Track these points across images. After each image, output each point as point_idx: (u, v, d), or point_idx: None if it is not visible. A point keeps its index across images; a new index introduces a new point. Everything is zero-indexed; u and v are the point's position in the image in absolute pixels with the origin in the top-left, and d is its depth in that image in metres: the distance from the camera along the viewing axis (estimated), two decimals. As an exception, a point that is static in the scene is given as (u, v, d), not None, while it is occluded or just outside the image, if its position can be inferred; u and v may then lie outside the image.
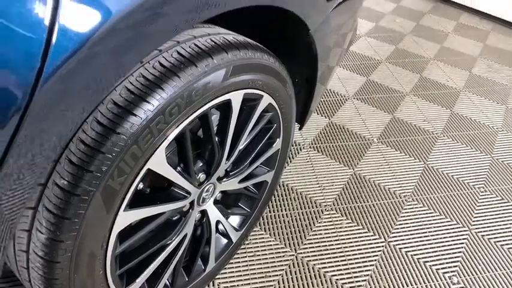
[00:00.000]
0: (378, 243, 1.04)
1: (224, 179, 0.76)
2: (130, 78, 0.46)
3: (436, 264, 1.01)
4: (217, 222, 0.82)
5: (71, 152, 0.43)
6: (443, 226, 1.11)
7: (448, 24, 2.29)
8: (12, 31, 0.30)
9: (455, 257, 1.03)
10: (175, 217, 0.70)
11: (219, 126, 0.68)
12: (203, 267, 0.84)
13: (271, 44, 0.73)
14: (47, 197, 0.43)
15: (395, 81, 1.71)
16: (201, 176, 0.68)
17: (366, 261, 0.99)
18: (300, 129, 1.04)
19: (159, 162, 0.54)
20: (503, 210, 1.19)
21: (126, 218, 0.53)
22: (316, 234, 1.04)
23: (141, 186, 0.56)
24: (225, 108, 0.63)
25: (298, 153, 1.29)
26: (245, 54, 0.59)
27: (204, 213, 0.77)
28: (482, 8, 2.39)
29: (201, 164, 0.68)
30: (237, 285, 0.92)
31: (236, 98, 0.62)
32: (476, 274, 1.00)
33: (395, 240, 1.05)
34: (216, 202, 0.80)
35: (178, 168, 0.62)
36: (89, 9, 0.34)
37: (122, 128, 0.44)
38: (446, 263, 1.01)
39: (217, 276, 0.92)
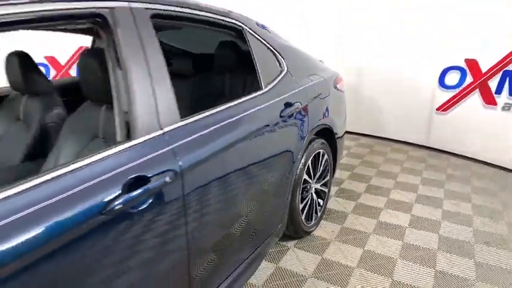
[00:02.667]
0: None
1: (316, 182, 2.30)
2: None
3: None
4: (315, 201, 2.30)
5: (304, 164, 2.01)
6: None
7: (384, 150, 4.15)
8: (302, 131, 1.95)
9: None
10: (306, 189, 2.21)
11: (315, 163, 2.27)
12: (312, 223, 2.27)
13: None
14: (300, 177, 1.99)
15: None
16: (312, 177, 2.23)
17: None
18: (332, 178, 2.61)
19: (307, 166, 2.11)
20: None
21: (305, 177, 2.07)
22: None
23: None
24: (317, 155, 2.24)
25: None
26: (321, 141, 2.25)
27: (311, 194, 2.27)
28: (406, 139, 4.31)
29: (313, 174, 2.24)
30: None
31: (321, 152, 2.25)
32: None
33: None
34: (314, 192, 2.31)
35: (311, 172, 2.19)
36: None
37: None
38: None
39: None
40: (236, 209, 1.49)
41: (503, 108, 3.40)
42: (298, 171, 1.99)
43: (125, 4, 1.15)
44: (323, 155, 2.31)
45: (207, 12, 1.55)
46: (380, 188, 3.05)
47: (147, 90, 1.13)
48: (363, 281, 1.89)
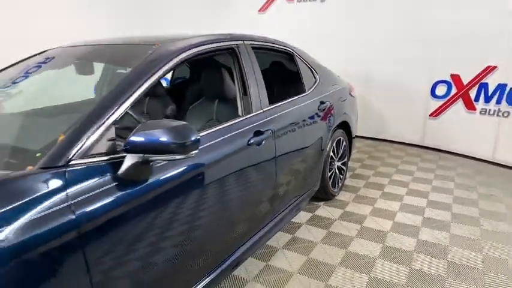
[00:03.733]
0: None
1: (338, 160, 3.21)
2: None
3: None
4: (338, 175, 3.21)
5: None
6: None
7: (387, 148, 5.04)
8: (330, 123, 2.88)
9: None
10: (332, 164, 3.11)
11: (337, 146, 3.19)
12: (336, 189, 3.17)
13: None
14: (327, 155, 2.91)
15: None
16: (336, 156, 3.15)
17: None
18: (348, 160, 3.51)
19: (333, 147, 3.03)
20: None
21: (331, 154, 2.98)
22: None
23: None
24: (338, 141, 3.16)
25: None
26: (341, 131, 3.18)
27: (335, 169, 3.18)
28: (404, 140, 5.21)
29: (336, 153, 3.16)
30: None
31: (341, 138, 3.18)
32: None
33: None
34: (337, 168, 3.21)
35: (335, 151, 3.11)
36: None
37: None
38: None
39: None
40: (297, 160, 2.41)
41: (480, 113, 4.31)
42: (327, 148, 2.90)
43: (241, 42, 2.11)
44: (342, 141, 3.23)
45: (274, 43, 2.52)
46: (384, 173, 3.95)
47: (256, 88, 2.07)
48: (375, 221, 2.78)
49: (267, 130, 2.01)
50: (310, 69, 2.90)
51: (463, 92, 4.45)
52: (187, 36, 1.84)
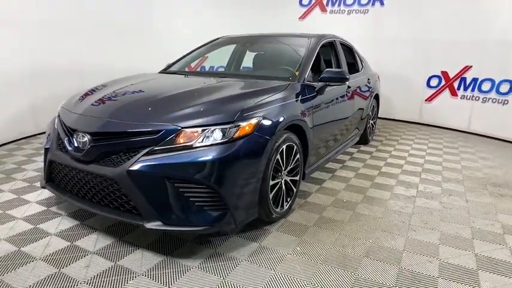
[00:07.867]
0: None
1: (372, 119, 4.99)
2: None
3: None
4: (370, 128, 4.98)
5: None
6: None
7: (394, 124, 6.84)
8: (371, 93, 4.64)
9: None
10: (369, 120, 4.88)
11: (372, 110, 4.96)
12: (370, 137, 4.95)
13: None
14: None
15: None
16: (371, 116, 4.92)
17: None
18: (376, 120, 5.27)
19: (370, 109, 4.82)
20: None
21: (369, 114, 4.75)
22: None
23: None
24: (373, 107, 4.92)
25: (371, 136, 5.47)
26: (375, 100, 4.96)
27: (371, 124, 4.94)
28: (406, 119, 7.01)
29: (371, 114, 4.93)
30: (374, 143, 5.01)
31: (374, 105, 4.96)
32: None
33: None
34: (370, 124, 4.98)
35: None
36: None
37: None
38: None
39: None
40: (358, 109, 4.14)
41: (460, 98, 6.18)
42: (369, 109, 4.66)
43: (336, 39, 3.85)
44: (374, 107, 5.00)
45: (344, 40, 4.27)
46: (397, 135, 5.75)
47: (343, 64, 3.81)
48: (398, 153, 4.56)
49: (351, 87, 3.76)
50: (359, 58, 4.67)
51: (449, 83, 6.31)
52: (317, 34, 3.56)
